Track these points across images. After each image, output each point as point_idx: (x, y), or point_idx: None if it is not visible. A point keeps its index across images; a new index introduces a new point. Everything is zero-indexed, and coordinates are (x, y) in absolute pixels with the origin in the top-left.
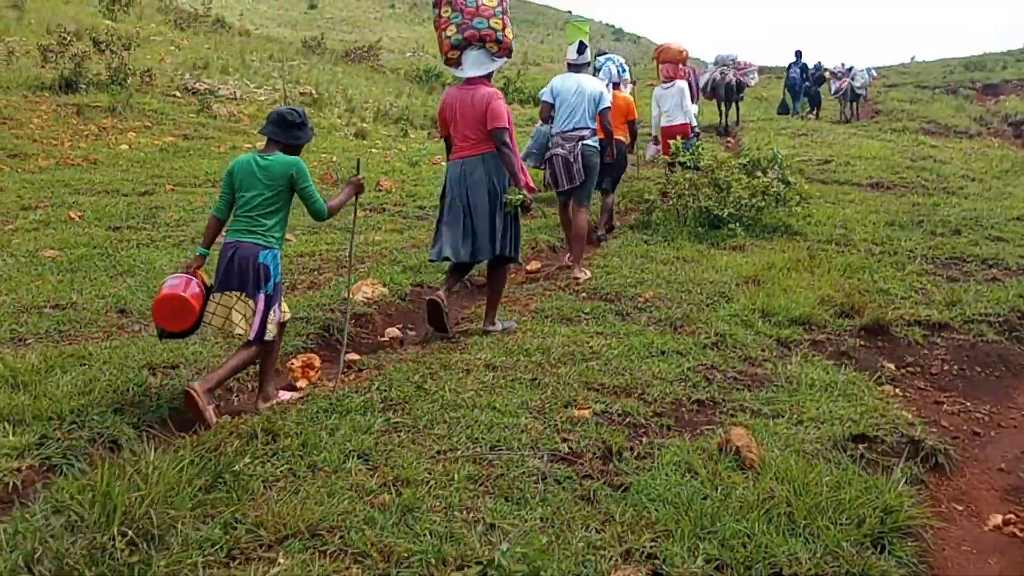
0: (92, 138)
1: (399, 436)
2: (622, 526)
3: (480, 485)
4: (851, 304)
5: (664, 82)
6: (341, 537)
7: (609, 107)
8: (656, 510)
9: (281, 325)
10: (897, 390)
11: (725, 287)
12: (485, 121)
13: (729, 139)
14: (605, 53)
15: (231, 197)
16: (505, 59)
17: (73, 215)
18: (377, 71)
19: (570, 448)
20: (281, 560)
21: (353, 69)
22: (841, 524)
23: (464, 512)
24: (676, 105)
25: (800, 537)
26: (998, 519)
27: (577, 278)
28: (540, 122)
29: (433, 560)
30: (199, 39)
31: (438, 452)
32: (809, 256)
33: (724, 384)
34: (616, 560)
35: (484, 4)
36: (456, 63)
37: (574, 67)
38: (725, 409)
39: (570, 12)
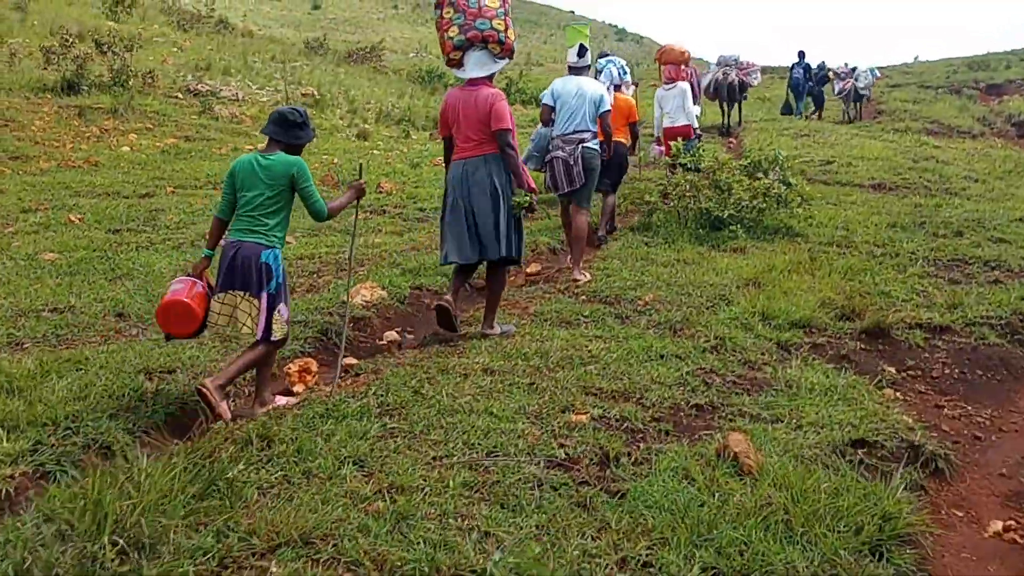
0: (94, 140)
1: (395, 442)
2: (618, 533)
3: (476, 492)
4: (852, 307)
5: (666, 83)
6: (334, 545)
7: (609, 110)
8: (652, 517)
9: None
10: (897, 394)
11: (725, 290)
12: (488, 122)
13: (731, 140)
14: (607, 55)
15: (233, 197)
16: (507, 60)
17: (73, 218)
18: (379, 72)
19: (567, 454)
20: (273, 569)
21: (355, 70)
22: (839, 531)
23: (459, 519)
24: (678, 107)
25: (798, 545)
26: (998, 525)
27: (577, 280)
28: (540, 124)
29: (426, 569)
30: (202, 40)
31: (434, 458)
32: (810, 258)
33: (723, 388)
34: (611, 568)
35: (487, 5)
36: (458, 64)
37: (574, 70)
38: (724, 414)
39: (572, 12)
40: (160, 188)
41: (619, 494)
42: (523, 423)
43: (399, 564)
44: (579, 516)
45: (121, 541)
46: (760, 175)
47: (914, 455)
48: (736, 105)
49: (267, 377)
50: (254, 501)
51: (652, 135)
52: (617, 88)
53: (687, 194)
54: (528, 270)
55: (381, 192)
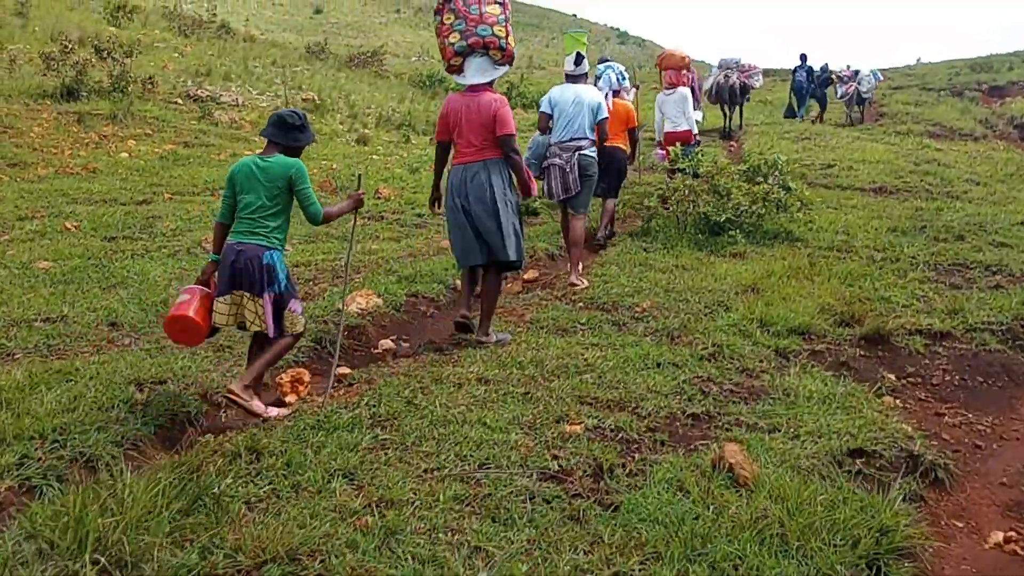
0: (92, 146)
1: (386, 454)
2: (611, 548)
3: (466, 505)
4: (851, 313)
5: (667, 89)
6: (322, 561)
7: (607, 117)
8: (646, 531)
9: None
10: (897, 401)
11: (724, 296)
12: (490, 127)
13: (732, 143)
14: (606, 60)
15: (233, 201)
16: (508, 67)
17: (69, 225)
18: (381, 76)
19: (560, 466)
20: None
21: (356, 74)
22: (836, 545)
23: (448, 534)
24: (679, 112)
25: (793, 559)
26: (999, 536)
27: (574, 284)
28: (538, 132)
29: None
30: (203, 45)
31: (425, 471)
32: (809, 263)
33: (720, 397)
34: None
35: (488, 12)
36: (459, 70)
37: (572, 78)
38: (720, 423)
39: (574, 16)
40: (158, 195)
41: (612, 507)
42: (516, 434)
43: None
44: (571, 530)
45: (103, 560)
46: (760, 179)
47: (913, 465)
48: (737, 108)
49: (265, 370)
50: (241, 516)
51: (653, 139)
52: (616, 93)
53: (686, 199)
54: (525, 276)
55: (379, 198)
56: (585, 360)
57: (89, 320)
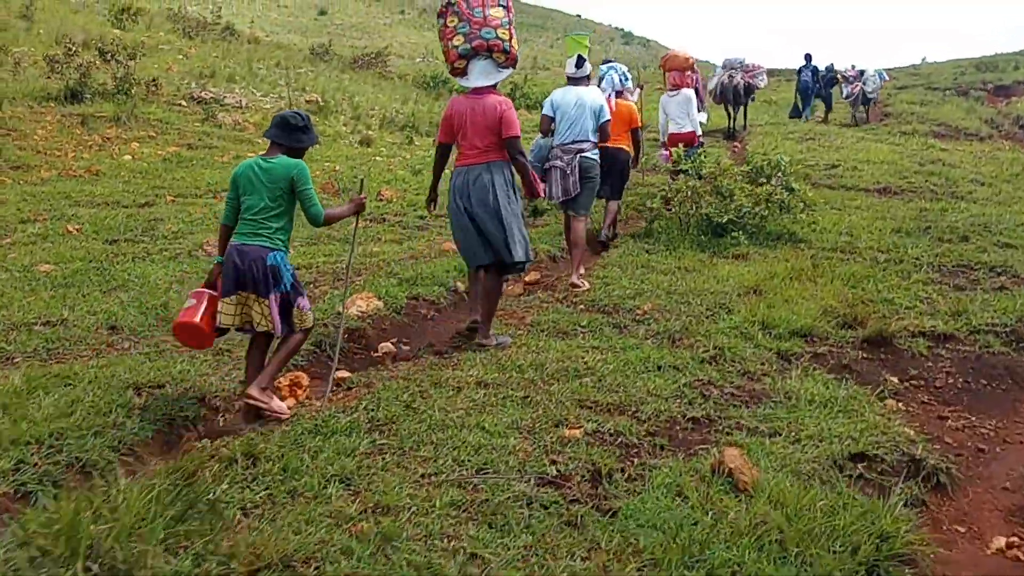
0: (96, 148)
1: (384, 459)
2: (608, 554)
3: (463, 511)
4: (854, 315)
5: (671, 90)
6: (316, 568)
7: (609, 119)
8: (644, 537)
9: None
10: (900, 405)
11: (726, 298)
12: (496, 130)
13: (736, 143)
14: (609, 61)
15: (237, 203)
16: (511, 70)
17: (71, 228)
18: (385, 78)
19: (558, 471)
20: None
21: (360, 76)
22: (835, 551)
23: (444, 541)
24: (683, 113)
25: (792, 566)
26: (1001, 542)
27: (576, 285)
28: (540, 135)
29: None
30: (207, 47)
31: (422, 476)
32: (812, 265)
33: (721, 401)
34: None
35: (491, 15)
36: (462, 73)
37: (573, 80)
38: (721, 427)
39: (579, 16)
40: (160, 197)
41: (611, 512)
42: (515, 438)
43: None
44: (568, 536)
45: (95, 567)
46: (763, 181)
47: (915, 469)
48: (741, 108)
49: (280, 369)
50: (236, 522)
51: (657, 140)
52: (619, 94)
53: (688, 200)
54: (527, 278)
55: (381, 200)
56: (585, 363)
57: (89, 324)
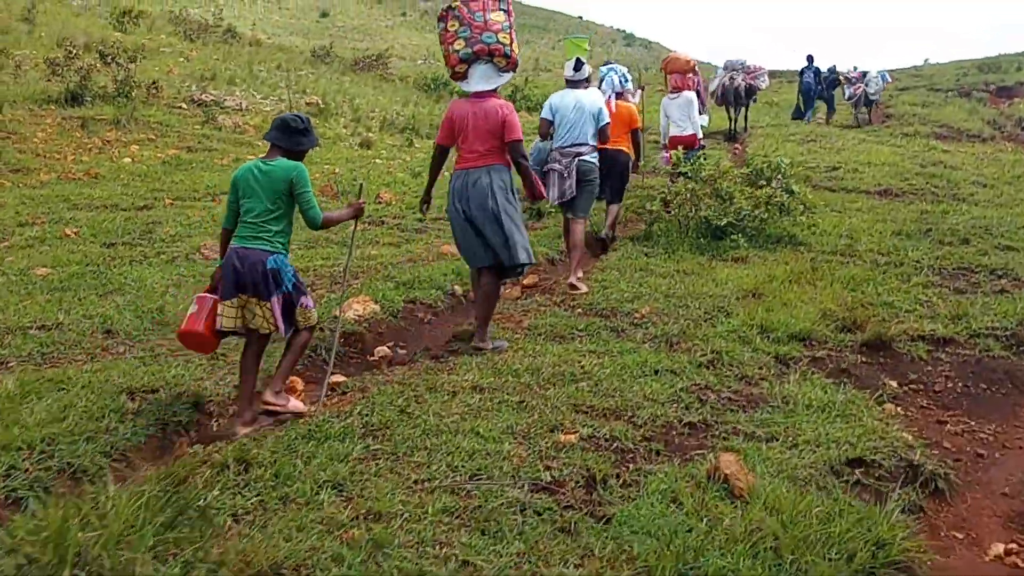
0: (95, 151)
1: (377, 464)
2: (601, 561)
3: (456, 518)
4: (853, 318)
5: (672, 92)
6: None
7: (608, 122)
8: (638, 543)
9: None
10: (899, 409)
11: (724, 301)
12: (497, 133)
13: (736, 145)
14: (610, 63)
15: (237, 206)
16: (512, 74)
17: (69, 231)
18: (386, 80)
19: (553, 477)
20: None
21: (361, 78)
22: (831, 559)
23: (436, 548)
24: (685, 116)
25: (786, 574)
26: (999, 548)
27: (574, 286)
28: (539, 138)
29: None
30: (208, 50)
31: (415, 482)
32: (812, 268)
33: (718, 405)
34: None
35: (492, 19)
36: (463, 77)
37: (572, 83)
38: (717, 432)
39: (580, 18)
40: (159, 200)
41: (605, 519)
42: (509, 444)
43: None
44: (562, 543)
45: (83, 575)
46: (763, 183)
47: (913, 474)
48: (743, 110)
49: (290, 370)
50: (227, 529)
51: (658, 143)
52: (619, 95)
53: (688, 203)
54: (525, 281)
55: (380, 202)
56: (582, 367)
57: (84, 327)
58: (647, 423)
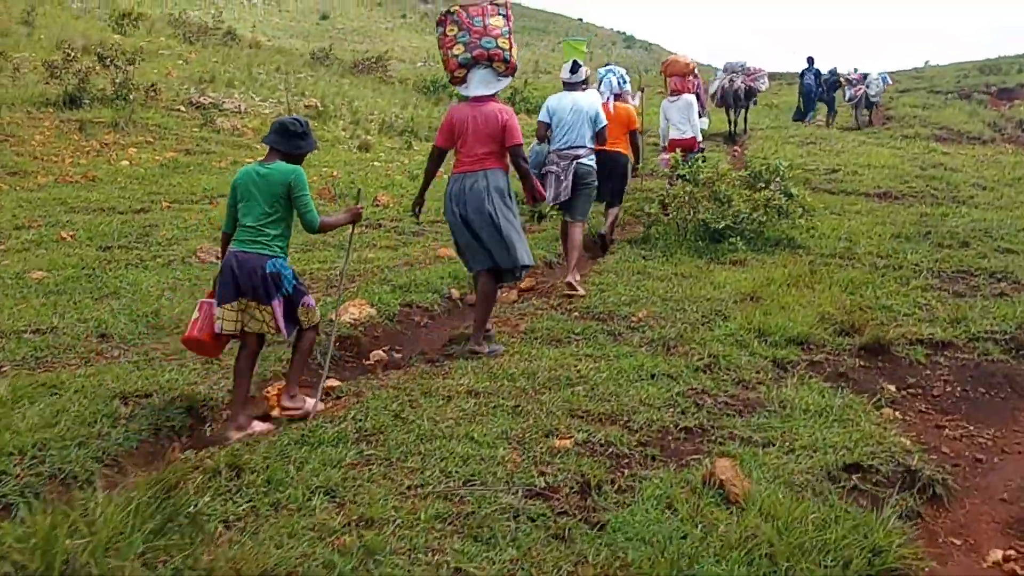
0: (93, 154)
1: (370, 470)
2: (595, 568)
3: (448, 524)
4: (851, 322)
5: (671, 95)
6: None
7: (606, 124)
8: (632, 550)
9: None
10: (897, 413)
11: (722, 304)
12: (496, 138)
13: (736, 147)
14: (608, 65)
15: (236, 211)
16: (510, 78)
17: (65, 235)
18: (385, 82)
19: (547, 482)
20: None
21: (360, 80)
22: (826, 567)
23: (428, 554)
24: (685, 119)
25: None
26: (998, 555)
27: (572, 285)
28: (536, 141)
29: None
30: (207, 52)
31: (408, 487)
32: (810, 271)
33: (714, 410)
34: None
35: (491, 24)
36: (462, 81)
37: (569, 86)
38: (714, 437)
39: (580, 20)
40: (156, 203)
41: (599, 525)
42: (504, 449)
43: None
44: (555, 549)
45: None
46: (761, 186)
47: (911, 480)
48: (743, 112)
49: (301, 369)
50: (217, 535)
51: (657, 145)
52: (617, 97)
53: (686, 205)
54: (522, 285)
55: (378, 205)
56: (578, 372)
57: (79, 331)
58: (643, 428)
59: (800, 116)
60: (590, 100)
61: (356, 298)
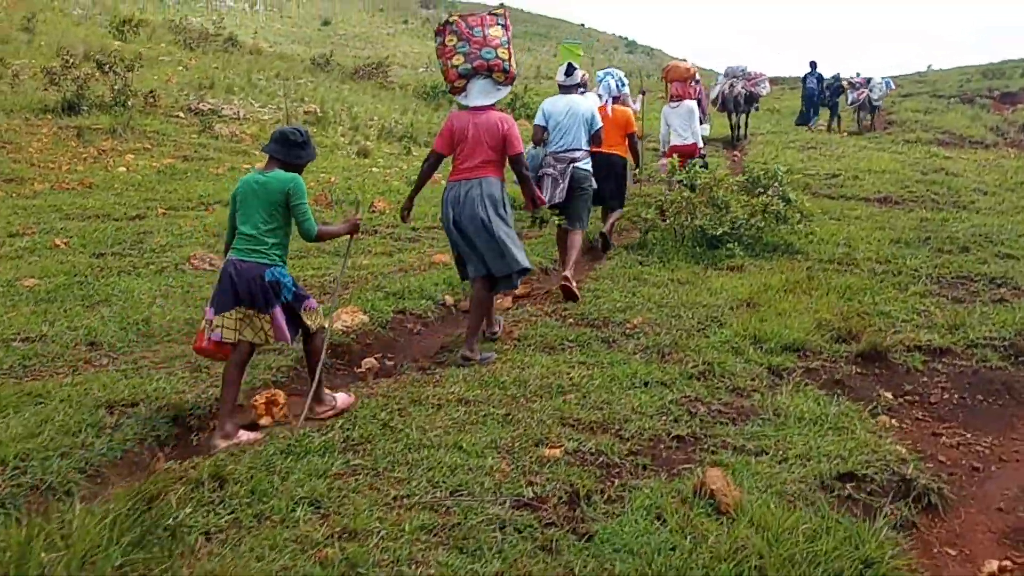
0: (90, 161)
1: (356, 480)
2: None
3: (434, 535)
4: (848, 328)
5: (672, 101)
6: None
7: (601, 127)
8: (620, 562)
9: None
10: (893, 421)
11: (718, 311)
12: (496, 147)
13: (736, 152)
14: (607, 69)
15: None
16: (509, 88)
17: (59, 242)
18: (385, 88)
19: (535, 492)
20: None
21: (360, 86)
22: None
23: (412, 566)
24: (686, 125)
25: None
26: (993, 566)
27: (567, 279)
28: (532, 144)
29: None
30: (207, 58)
31: (394, 498)
32: (808, 277)
33: (707, 418)
34: None
35: (491, 34)
36: (462, 91)
37: (564, 88)
38: (706, 446)
39: (582, 25)
40: (151, 210)
41: (587, 536)
42: (493, 458)
43: None
44: (542, 561)
45: None
46: (759, 191)
47: (906, 489)
48: (744, 116)
49: (319, 375)
50: (198, 548)
51: (658, 150)
52: (616, 100)
53: (683, 211)
54: (517, 291)
55: (375, 211)
56: (570, 379)
57: (68, 339)
58: (634, 437)
59: (803, 120)
60: (586, 103)
61: (349, 305)
